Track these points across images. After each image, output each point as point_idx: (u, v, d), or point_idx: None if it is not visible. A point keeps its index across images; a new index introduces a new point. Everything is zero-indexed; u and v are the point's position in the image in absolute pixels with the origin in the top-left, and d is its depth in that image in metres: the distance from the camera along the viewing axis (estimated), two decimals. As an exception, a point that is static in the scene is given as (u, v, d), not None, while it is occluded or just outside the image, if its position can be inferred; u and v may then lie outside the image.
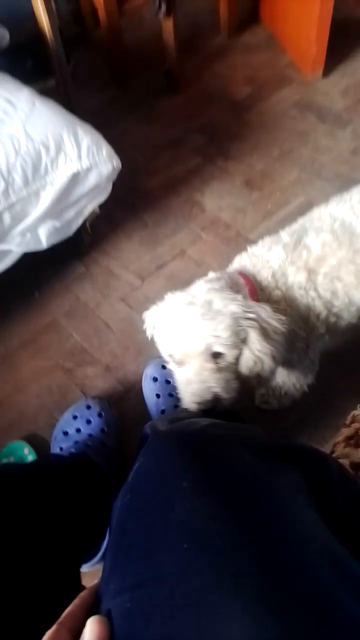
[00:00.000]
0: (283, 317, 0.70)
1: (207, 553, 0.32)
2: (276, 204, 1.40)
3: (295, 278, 0.78)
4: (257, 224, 1.36)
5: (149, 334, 0.79)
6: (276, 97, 1.72)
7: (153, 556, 0.34)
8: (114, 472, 0.90)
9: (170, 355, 0.72)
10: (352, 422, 0.55)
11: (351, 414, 0.57)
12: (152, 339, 0.79)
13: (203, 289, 0.71)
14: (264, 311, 0.69)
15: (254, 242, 0.87)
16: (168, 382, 1.02)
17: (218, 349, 0.67)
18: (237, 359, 0.69)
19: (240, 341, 0.68)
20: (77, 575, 0.67)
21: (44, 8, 1.37)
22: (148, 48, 1.92)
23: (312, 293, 0.78)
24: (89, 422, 1.00)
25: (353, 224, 0.80)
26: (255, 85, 1.77)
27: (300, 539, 0.34)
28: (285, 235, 0.83)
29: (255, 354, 0.67)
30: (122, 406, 1.07)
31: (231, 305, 0.67)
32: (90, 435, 0.97)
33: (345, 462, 0.51)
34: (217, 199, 1.44)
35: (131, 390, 1.10)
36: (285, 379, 0.94)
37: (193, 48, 1.93)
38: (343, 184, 1.29)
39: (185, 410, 0.71)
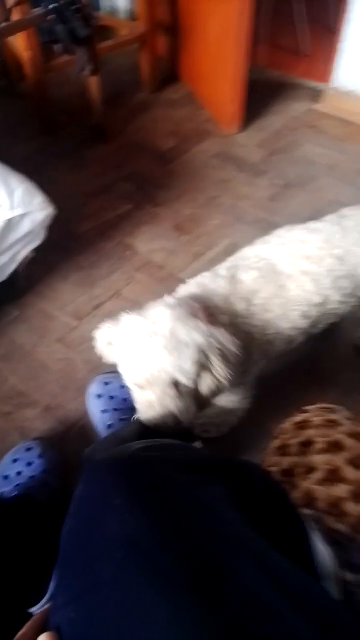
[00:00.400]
0: (237, 341, 0.74)
1: (137, 557, 0.36)
2: (204, 245, 1.49)
3: (239, 306, 0.85)
4: (187, 264, 1.44)
5: (100, 351, 0.81)
6: (198, 148, 1.85)
7: (91, 568, 0.37)
8: (59, 511, 0.90)
9: (130, 378, 0.75)
10: (280, 433, 0.62)
11: (278, 427, 0.63)
12: (102, 356, 0.81)
13: (165, 316, 0.72)
14: (222, 336, 0.73)
15: (185, 281, 0.94)
16: (112, 397, 1.05)
17: (181, 380, 0.70)
18: (197, 383, 0.73)
19: (201, 366, 0.71)
20: (25, 617, 0.67)
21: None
22: (75, 101, 2.01)
23: (249, 321, 0.85)
24: (29, 464, 0.99)
25: (274, 262, 0.90)
26: (178, 138, 1.90)
27: (221, 536, 0.38)
28: (222, 269, 0.91)
29: (217, 377, 0.71)
30: (65, 445, 1.07)
31: (195, 335, 0.70)
32: (32, 477, 0.96)
33: (275, 469, 0.56)
34: (149, 242, 1.51)
35: (72, 428, 1.11)
36: (224, 404, 1.00)
37: (118, 102, 2.05)
38: (263, 227, 1.41)
39: (127, 426, 0.74)
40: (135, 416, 0.76)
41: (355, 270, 0.92)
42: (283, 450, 0.58)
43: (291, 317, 0.88)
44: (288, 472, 0.55)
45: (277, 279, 0.88)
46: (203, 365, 0.71)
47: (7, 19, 1.62)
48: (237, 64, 1.70)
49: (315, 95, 2.08)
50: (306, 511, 0.47)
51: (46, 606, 0.41)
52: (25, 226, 1.17)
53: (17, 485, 0.94)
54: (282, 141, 1.88)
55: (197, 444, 0.81)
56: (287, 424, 0.64)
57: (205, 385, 0.72)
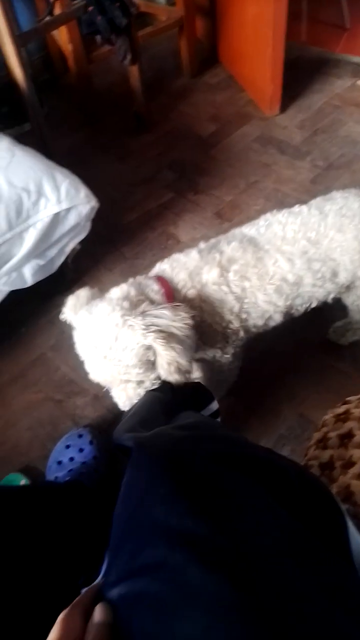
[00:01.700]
0: (187, 315, 0.77)
1: (181, 546, 0.38)
2: (246, 232, 1.49)
3: (209, 275, 0.87)
4: (229, 252, 1.44)
5: (64, 318, 0.87)
6: (239, 132, 1.83)
7: (138, 551, 0.41)
8: (107, 496, 0.94)
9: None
10: (322, 426, 0.62)
11: (322, 420, 0.64)
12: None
13: (105, 319, 0.76)
14: (165, 317, 0.76)
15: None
16: None
17: (132, 378, 0.76)
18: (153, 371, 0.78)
19: (147, 362, 0.76)
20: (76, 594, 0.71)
21: (16, 58, 1.46)
22: (117, 91, 2.03)
23: (224, 288, 0.88)
24: (81, 450, 1.04)
25: (257, 239, 0.93)
26: (218, 123, 1.88)
27: (263, 530, 0.40)
28: (202, 244, 0.95)
29: (166, 360, 0.75)
30: (112, 432, 1.12)
31: (135, 334, 0.73)
32: (83, 463, 1.01)
33: (314, 463, 0.57)
34: (191, 231, 1.52)
35: (120, 415, 1.15)
36: (214, 376, 1.04)
37: (159, 89, 2.05)
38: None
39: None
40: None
41: (331, 254, 0.92)
42: (324, 443, 0.59)
43: (267, 289, 0.90)
44: (327, 466, 0.55)
45: (256, 252, 0.90)
46: (148, 360, 0.75)
47: (50, 13, 1.64)
48: (274, 43, 1.66)
49: (358, 71, 2.00)
50: (344, 506, 0.48)
51: (100, 581, 0.45)
52: (71, 220, 1.21)
53: (70, 470, 0.99)
54: (324, 121, 1.83)
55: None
56: (329, 415, 0.64)
57: (161, 369, 0.76)
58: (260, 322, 0.95)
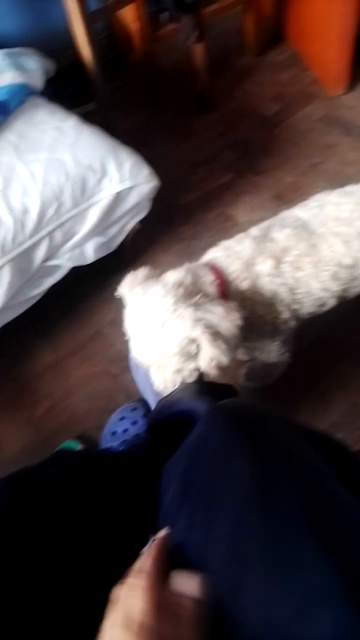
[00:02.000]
0: (238, 316, 0.77)
1: (262, 498, 0.40)
2: (306, 215, 1.46)
3: (264, 266, 0.86)
4: (288, 235, 1.42)
5: (119, 294, 0.89)
6: (303, 112, 1.79)
7: (218, 500, 0.43)
8: (158, 469, 0.98)
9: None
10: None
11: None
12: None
13: (157, 302, 0.76)
14: (217, 314, 0.76)
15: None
16: None
17: (171, 365, 0.76)
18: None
19: (187, 354, 0.76)
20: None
21: (85, 38, 1.48)
22: (180, 70, 2.02)
23: (277, 280, 0.87)
24: (135, 422, 1.08)
25: (310, 223, 0.91)
26: (282, 102, 1.84)
27: (330, 492, 0.42)
28: (255, 229, 0.93)
29: (208, 357, 0.75)
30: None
31: (183, 325, 0.73)
32: (136, 436, 1.05)
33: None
34: (249, 212, 1.51)
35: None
36: (263, 359, 1.04)
37: (222, 68, 2.02)
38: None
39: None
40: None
41: None
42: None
43: (322, 277, 0.88)
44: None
45: (310, 238, 0.88)
46: (188, 353, 0.75)
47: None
48: (345, 19, 1.59)
49: None
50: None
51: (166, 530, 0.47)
52: (132, 198, 1.23)
53: (124, 441, 1.03)
54: (395, 101, 1.75)
55: None
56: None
57: (202, 363, 0.76)
58: (312, 309, 0.94)
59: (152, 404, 1.01)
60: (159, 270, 0.89)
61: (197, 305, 0.76)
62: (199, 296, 0.78)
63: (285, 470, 0.43)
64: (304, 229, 0.90)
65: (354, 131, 1.68)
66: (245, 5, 1.93)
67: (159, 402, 0.88)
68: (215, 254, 0.92)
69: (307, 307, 0.93)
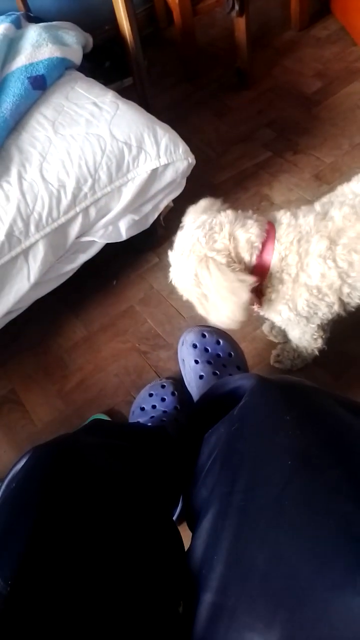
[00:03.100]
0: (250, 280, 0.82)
1: (307, 469, 0.40)
2: (345, 197, 1.42)
3: (317, 246, 0.84)
4: (325, 217, 1.39)
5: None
6: (347, 90, 1.72)
7: (261, 468, 0.43)
8: (187, 447, 0.98)
9: None
10: None
11: None
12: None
13: (189, 239, 0.86)
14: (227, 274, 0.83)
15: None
16: (206, 350, 1.06)
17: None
18: None
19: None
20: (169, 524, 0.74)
21: (125, 12, 1.46)
22: (219, 45, 1.97)
23: (329, 262, 0.84)
24: (163, 399, 1.08)
25: None
26: (325, 79, 1.78)
27: None
28: (317, 205, 0.90)
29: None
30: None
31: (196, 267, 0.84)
32: (164, 412, 1.06)
33: None
34: (286, 192, 1.48)
35: (202, 372, 1.18)
36: (297, 341, 1.03)
37: (263, 44, 1.96)
38: None
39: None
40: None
41: None
42: None
43: None
44: None
45: None
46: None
47: None
48: None
49: None
50: None
51: None
52: (168, 176, 1.22)
53: (152, 417, 1.04)
54: None
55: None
56: None
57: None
58: None
59: (195, 397, 1.02)
60: (220, 200, 0.96)
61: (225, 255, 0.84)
62: (231, 253, 0.84)
63: (331, 445, 0.43)
64: None
65: None
66: (290, -23, 1.86)
67: (211, 387, 0.89)
68: (282, 217, 0.90)
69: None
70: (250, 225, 0.85)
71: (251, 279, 0.82)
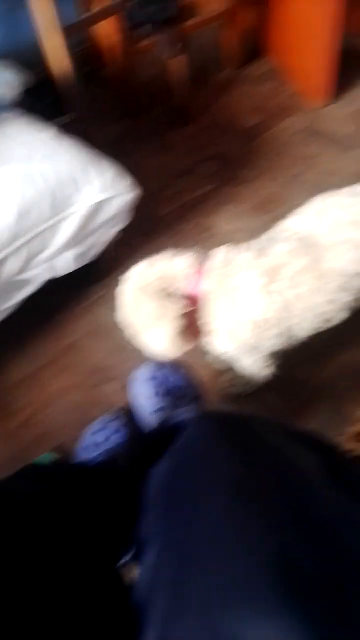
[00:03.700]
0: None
1: (241, 500, 0.41)
2: (285, 226, 1.47)
3: (257, 281, 0.85)
4: (267, 245, 1.43)
5: None
6: (283, 125, 1.80)
7: (199, 501, 0.44)
8: (140, 478, 0.96)
9: None
10: (357, 421, 0.61)
11: (356, 414, 0.63)
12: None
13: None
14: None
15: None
16: (163, 382, 1.05)
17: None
18: None
19: None
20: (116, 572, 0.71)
21: (62, 51, 1.48)
22: (159, 83, 2.03)
23: (274, 296, 0.85)
24: (114, 433, 1.06)
25: (314, 234, 0.88)
26: (262, 115, 1.86)
27: (313, 494, 0.41)
28: (258, 242, 0.92)
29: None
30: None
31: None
32: (115, 446, 1.03)
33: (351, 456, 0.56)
34: (230, 223, 1.52)
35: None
36: (247, 369, 1.04)
37: (202, 81, 2.04)
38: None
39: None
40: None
41: None
42: (358, 437, 0.58)
43: (328, 290, 0.85)
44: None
45: (311, 252, 0.85)
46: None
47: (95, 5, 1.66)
48: (328, 31, 1.62)
49: None
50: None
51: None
52: (113, 209, 1.22)
53: (103, 452, 1.01)
54: (375, 113, 1.78)
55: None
56: (362, 411, 0.63)
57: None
58: (318, 324, 0.91)
59: (148, 425, 1.01)
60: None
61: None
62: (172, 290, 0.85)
63: (267, 475, 0.43)
64: (303, 242, 0.87)
65: (334, 142, 1.70)
66: (225, 20, 1.95)
67: (161, 422, 0.89)
68: (219, 251, 0.91)
69: (308, 322, 0.90)
70: (183, 258, 0.87)
71: (179, 309, 0.84)
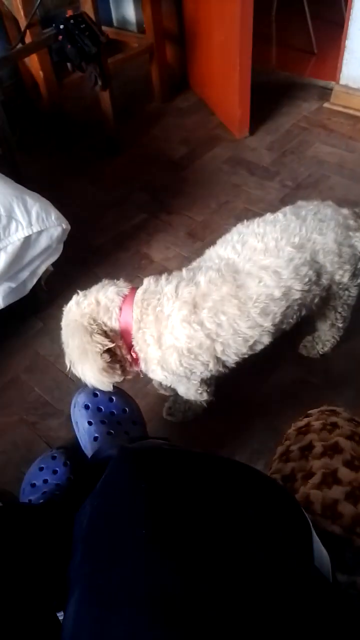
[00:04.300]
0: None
1: (158, 538, 0.41)
2: (217, 251, 1.52)
3: (180, 311, 0.87)
4: (201, 271, 1.47)
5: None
6: (210, 155, 1.88)
7: (118, 543, 0.44)
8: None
9: None
10: (285, 439, 0.64)
11: (286, 433, 0.66)
12: None
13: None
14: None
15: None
16: (99, 409, 1.03)
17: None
18: None
19: None
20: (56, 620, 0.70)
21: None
22: (89, 116, 2.07)
23: (194, 325, 0.87)
24: (55, 472, 1.03)
25: (235, 262, 0.91)
26: (189, 145, 1.93)
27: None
28: (184, 271, 0.94)
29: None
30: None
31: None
32: (57, 485, 1.01)
33: (277, 476, 0.59)
34: (164, 250, 1.55)
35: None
36: (184, 395, 1.06)
37: (130, 114, 2.09)
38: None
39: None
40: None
41: (315, 257, 0.92)
42: (286, 456, 0.61)
43: (251, 314, 0.88)
44: (289, 478, 0.57)
45: (236, 279, 0.88)
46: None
47: (22, 41, 1.68)
48: (241, 68, 1.72)
49: (324, 94, 2.08)
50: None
51: None
52: (42, 242, 1.22)
53: (44, 493, 0.99)
54: (292, 142, 1.89)
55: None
56: (292, 429, 0.66)
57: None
58: (243, 350, 0.93)
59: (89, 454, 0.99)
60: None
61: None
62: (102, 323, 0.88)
63: (183, 510, 0.43)
64: (228, 269, 0.90)
65: (257, 172, 1.78)
66: (149, 56, 2.03)
67: (91, 456, 0.88)
68: (145, 282, 0.93)
69: (236, 347, 0.92)
70: (109, 291, 0.89)
71: (102, 345, 0.85)
